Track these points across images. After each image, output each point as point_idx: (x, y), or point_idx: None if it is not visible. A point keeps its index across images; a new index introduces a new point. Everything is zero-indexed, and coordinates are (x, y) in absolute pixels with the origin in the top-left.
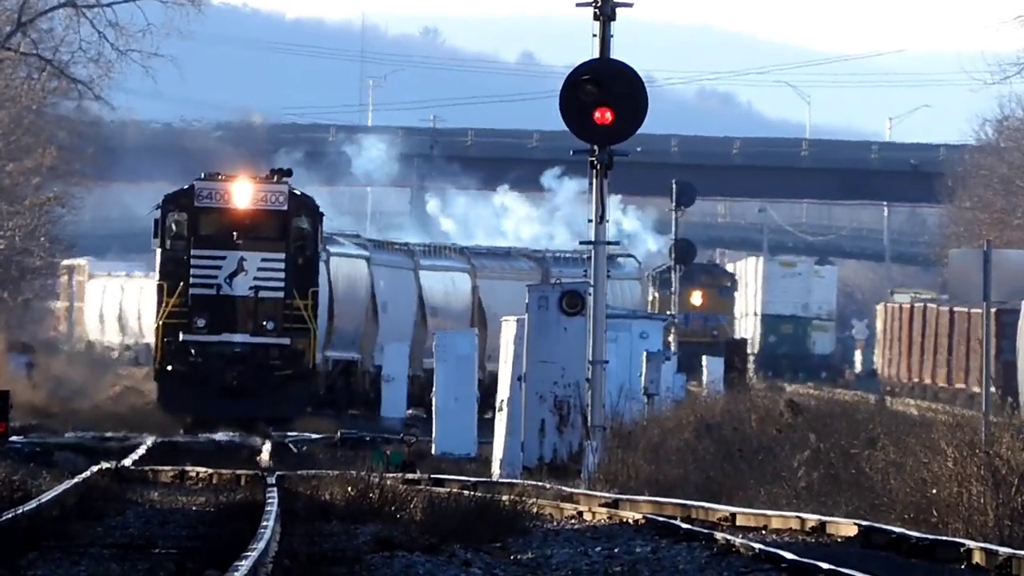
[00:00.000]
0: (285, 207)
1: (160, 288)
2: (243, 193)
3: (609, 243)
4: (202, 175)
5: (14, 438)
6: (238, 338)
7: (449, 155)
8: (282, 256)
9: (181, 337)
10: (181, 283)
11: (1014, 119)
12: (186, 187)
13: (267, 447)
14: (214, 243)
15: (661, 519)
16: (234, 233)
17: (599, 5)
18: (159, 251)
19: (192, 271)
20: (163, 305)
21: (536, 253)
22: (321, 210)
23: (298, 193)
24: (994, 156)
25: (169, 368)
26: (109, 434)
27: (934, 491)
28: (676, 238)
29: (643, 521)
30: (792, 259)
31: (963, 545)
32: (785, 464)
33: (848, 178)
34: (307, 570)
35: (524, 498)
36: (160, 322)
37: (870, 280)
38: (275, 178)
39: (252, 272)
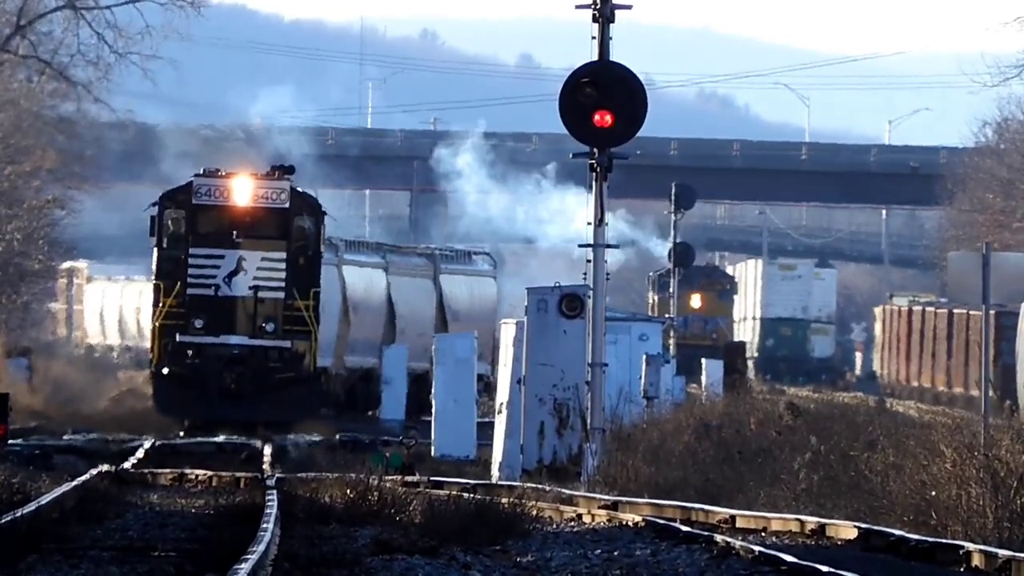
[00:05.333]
0: (286, 205)
1: (157, 288)
2: (243, 190)
3: (609, 246)
4: (201, 171)
5: (13, 441)
6: (236, 340)
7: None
8: (283, 255)
9: (178, 338)
10: (178, 283)
11: (1014, 121)
12: (184, 184)
13: (267, 450)
14: (212, 241)
15: (661, 521)
16: (233, 231)
17: (598, 7)
18: (156, 250)
19: (190, 270)
20: (160, 305)
21: (427, 250)
22: (324, 209)
23: (300, 191)
24: (993, 159)
25: (165, 370)
26: (108, 437)
27: (933, 493)
28: (675, 241)
29: (643, 523)
30: (792, 262)
31: (962, 547)
32: (785, 466)
33: (848, 181)
34: (306, 573)
35: (523, 500)
36: (157, 323)
37: (869, 283)
38: (276, 175)
39: (252, 272)
